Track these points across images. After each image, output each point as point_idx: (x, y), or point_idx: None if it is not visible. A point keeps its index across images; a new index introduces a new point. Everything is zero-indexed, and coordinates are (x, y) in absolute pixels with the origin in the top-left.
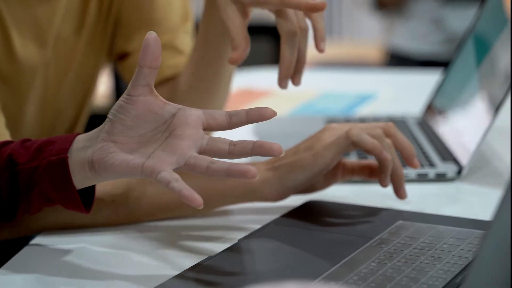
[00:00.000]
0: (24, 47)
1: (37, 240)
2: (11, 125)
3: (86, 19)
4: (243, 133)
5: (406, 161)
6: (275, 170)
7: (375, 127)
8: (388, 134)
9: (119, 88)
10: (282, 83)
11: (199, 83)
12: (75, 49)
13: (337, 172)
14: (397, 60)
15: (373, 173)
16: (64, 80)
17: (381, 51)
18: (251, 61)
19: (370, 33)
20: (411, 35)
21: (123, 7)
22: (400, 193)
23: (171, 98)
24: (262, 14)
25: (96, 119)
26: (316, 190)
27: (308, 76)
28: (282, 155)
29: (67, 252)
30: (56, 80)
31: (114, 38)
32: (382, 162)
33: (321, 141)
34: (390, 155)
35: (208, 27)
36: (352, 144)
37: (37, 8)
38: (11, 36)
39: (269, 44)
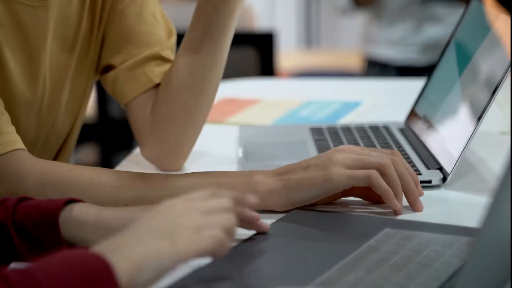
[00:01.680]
0: (19, 74)
1: None
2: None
3: (78, 37)
4: (228, 142)
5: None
6: (283, 182)
7: (385, 159)
8: (393, 161)
9: (102, 98)
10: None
11: (192, 73)
12: (68, 68)
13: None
14: (377, 67)
15: (371, 196)
16: (58, 98)
17: (361, 59)
18: (237, 70)
19: (349, 41)
20: (388, 43)
21: (110, 22)
22: (415, 207)
23: (160, 98)
24: (248, 23)
25: (83, 128)
26: (316, 205)
27: (291, 85)
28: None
29: None
30: (50, 99)
31: (100, 52)
32: (389, 205)
33: (334, 164)
34: (399, 205)
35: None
36: (368, 183)
37: (31, 32)
38: (9, 71)
39: (255, 54)
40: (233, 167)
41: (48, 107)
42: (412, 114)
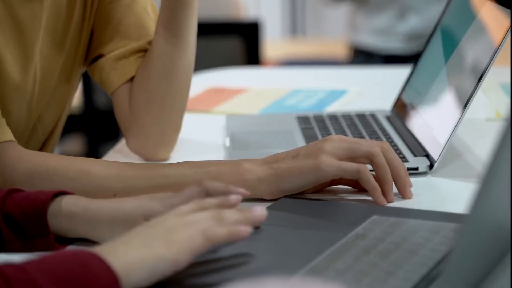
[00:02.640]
0: (13, 67)
1: None
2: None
3: (70, 30)
4: (215, 131)
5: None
6: (273, 170)
7: (375, 147)
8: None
9: (88, 88)
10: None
11: (161, 56)
12: (58, 60)
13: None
14: (362, 55)
15: (358, 184)
16: (48, 89)
17: (346, 47)
18: (223, 60)
19: (335, 30)
20: (372, 31)
21: (100, 13)
22: (404, 194)
23: (136, 86)
24: (233, 12)
25: (69, 119)
26: (305, 193)
27: (277, 74)
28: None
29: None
30: (40, 89)
31: (90, 44)
32: (375, 200)
33: (324, 153)
34: (385, 201)
35: None
36: (357, 177)
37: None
38: (3, 61)
39: (241, 43)
40: (220, 156)
41: (38, 97)
42: (399, 102)
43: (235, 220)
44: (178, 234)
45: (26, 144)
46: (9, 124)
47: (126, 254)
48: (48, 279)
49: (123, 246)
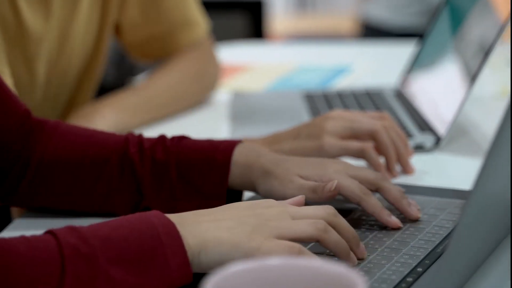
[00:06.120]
0: (30, 13)
1: (16, 223)
2: (23, 86)
3: None
4: (219, 108)
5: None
6: (275, 152)
7: (377, 125)
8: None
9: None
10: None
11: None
12: (76, 14)
13: None
14: (373, 32)
15: None
16: (65, 44)
17: (356, 22)
18: (226, 36)
19: (344, 4)
20: (388, 6)
21: None
22: (406, 169)
23: None
24: None
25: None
26: None
27: (283, 50)
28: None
29: None
30: (57, 44)
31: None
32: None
33: (326, 133)
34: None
35: None
36: (361, 156)
37: None
38: (18, 4)
39: (244, 19)
40: (223, 134)
41: (59, 45)
42: (406, 78)
43: (338, 243)
44: (269, 234)
45: (46, 106)
46: (35, 80)
47: (207, 232)
48: (109, 259)
49: (206, 224)
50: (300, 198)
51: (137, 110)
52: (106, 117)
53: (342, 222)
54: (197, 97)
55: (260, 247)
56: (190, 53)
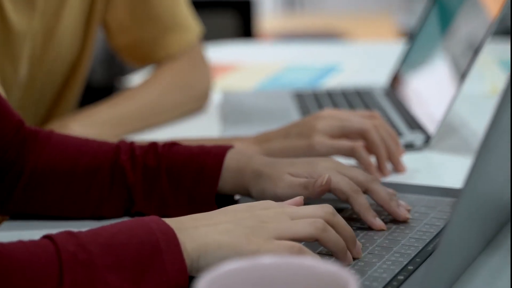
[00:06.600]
0: (14, 8)
1: (4, 226)
2: (5, 85)
3: None
4: (209, 108)
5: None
6: (264, 151)
7: (367, 124)
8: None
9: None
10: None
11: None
12: (60, 12)
13: None
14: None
15: None
16: (51, 41)
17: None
18: (215, 35)
19: (333, 3)
20: None
21: None
22: (398, 168)
23: None
24: None
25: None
26: None
27: (272, 49)
28: None
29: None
30: (42, 41)
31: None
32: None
33: (316, 133)
34: (380, 176)
35: None
36: (351, 156)
37: None
38: (3, 2)
39: (233, 19)
40: (214, 132)
41: (44, 42)
42: (395, 77)
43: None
44: (268, 235)
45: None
46: (17, 80)
47: (206, 236)
48: (106, 265)
49: (204, 228)
50: (299, 198)
51: (107, 125)
52: (74, 132)
53: (341, 221)
54: (185, 108)
55: (260, 249)
56: (179, 61)
